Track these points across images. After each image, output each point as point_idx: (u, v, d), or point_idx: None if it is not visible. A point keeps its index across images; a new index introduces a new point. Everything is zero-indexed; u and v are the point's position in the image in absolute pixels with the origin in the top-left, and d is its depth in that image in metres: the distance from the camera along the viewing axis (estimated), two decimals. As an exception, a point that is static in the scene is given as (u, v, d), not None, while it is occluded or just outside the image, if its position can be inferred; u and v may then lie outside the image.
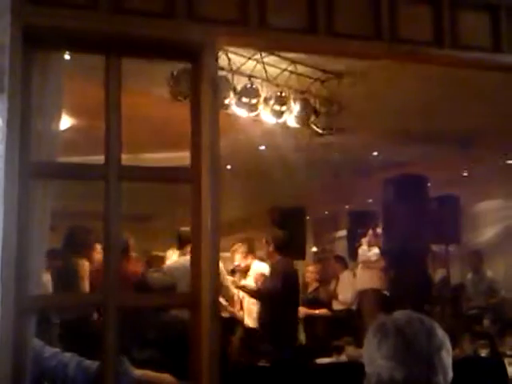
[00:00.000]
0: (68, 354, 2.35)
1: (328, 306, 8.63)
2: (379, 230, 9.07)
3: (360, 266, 8.92)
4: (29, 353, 1.94)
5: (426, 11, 2.35)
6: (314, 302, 8.23)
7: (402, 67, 4.31)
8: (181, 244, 5.89)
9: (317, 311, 8.19)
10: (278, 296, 6.39)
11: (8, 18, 1.85)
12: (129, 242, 5.37)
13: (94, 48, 2.06)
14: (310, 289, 8.46)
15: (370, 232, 8.98)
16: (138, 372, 2.43)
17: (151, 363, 2.65)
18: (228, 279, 6.50)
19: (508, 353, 5.16)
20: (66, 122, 6.89)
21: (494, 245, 9.84)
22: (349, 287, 8.97)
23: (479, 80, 5.31)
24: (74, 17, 1.95)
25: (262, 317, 6.58)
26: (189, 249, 5.91)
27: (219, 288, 2.08)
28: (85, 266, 5.42)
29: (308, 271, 8.72)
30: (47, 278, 5.04)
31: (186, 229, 5.70)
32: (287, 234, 7.07)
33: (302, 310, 7.58)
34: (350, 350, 5.54)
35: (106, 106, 2.00)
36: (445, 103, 6.96)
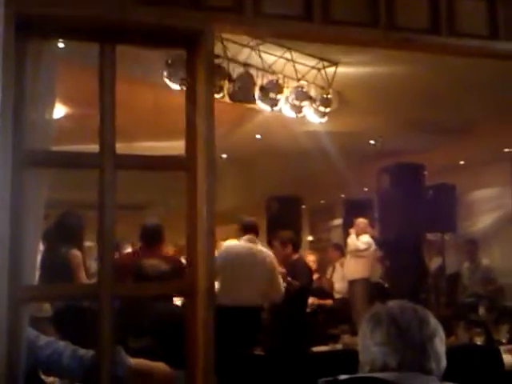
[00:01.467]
0: (62, 343, 2.34)
1: (331, 295, 8.71)
2: (367, 219, 9.04)
3: (349, 256, 8.88)
4: (23, 342, 1.93)
5: (422, -2, 2.33)
6: (319, 292, 8.29)
7: (400, 54, 4.30)
8: (245, 232, 6.01)
9: (321, 301, 8.24)
10: (304, 293, 6.60)
11: (1, 7, 1.83)
12: (163, 229, 5.37)
13: (87, 36, 2.04)
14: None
15: (358, 221, 8.93)
16: (133, 361, 2.43)
17: (146, 352, 2.65)
18: None
19: (503, 341, 5.17)
20: (60, 110, 6.86)
21: (490, 233, 9.86)
22: (343, 276, 8.99)
23: (477, 68, 5.29)
24: (67, 4, 1.93)
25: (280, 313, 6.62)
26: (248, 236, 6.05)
27: (215, 276, 2.08)
28: (78, 256, 5.40)
29: (310, 261, 8.68)
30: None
31: (247, 218, 6.08)
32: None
33: (311, 300, 7.69)
34: (346, 338, 5.55)
35: (101, 94, 1.98)
36: (443, 91, 6.96)
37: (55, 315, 5.08)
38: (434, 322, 1.94)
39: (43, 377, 2.88)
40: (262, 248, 6.02)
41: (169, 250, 7.23)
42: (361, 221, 8.92)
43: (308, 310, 7.52)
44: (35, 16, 1.91)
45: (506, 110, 7.25)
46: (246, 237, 5.93)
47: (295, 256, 6.80)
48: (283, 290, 6.01)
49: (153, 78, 6.09)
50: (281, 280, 6.02)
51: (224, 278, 5.53)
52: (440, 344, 1.92)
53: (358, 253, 8.66)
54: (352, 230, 8.89)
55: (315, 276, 8.56)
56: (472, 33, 2.37)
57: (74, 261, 5.34)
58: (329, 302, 8.49)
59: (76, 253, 5.39)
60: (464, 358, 4.24)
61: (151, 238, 5.23)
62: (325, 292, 8.64)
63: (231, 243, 6.11)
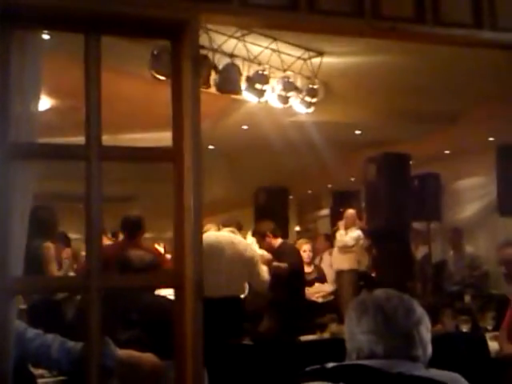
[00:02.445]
0: (51, 335, 2.34)
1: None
2: (355, 210, 9.00)
3: (336, 249, 8.79)
4: (11, 334, 1.93)
5: (407, -13, 2.33)
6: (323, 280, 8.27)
7: (385, 44, 4.30)
8: (225, 226, 6.18)
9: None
10: (295, 274, 6.62)
11: (-16, -4, 1.81)
12: (144, 221, 5.37)
13: (72, 26, 2.03)
14: (309, 269, 7.93)
15: (347, 213, 8.86)
16: (122, 352, 2.44)
17: (134, 343, 2.66)
18: None
19: (489, 328, 5.22)
20: (45, 102, 6.82)
21: (475, 221, 9.92)
22: (330, 267, 8.96)
23: (462, 58, 5.31)
24: (51, -6, 1.92)
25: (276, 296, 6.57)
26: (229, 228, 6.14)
27: (202, 267, 2.08)
28: (50, 249, 5.38)
29: (306, 250, 8.25)
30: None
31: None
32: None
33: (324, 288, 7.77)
34: (333, 327, 5.58)
35: (86, 86, 1.97)
36: (428, 81, 6.97)
37: (31, 307, 5.07)
38: (419, 309, 1.96)
39: (32, 369, 2.89)
40: (242, 239, 6.02)
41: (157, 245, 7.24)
42: (350, 213, 8.83)
43: (320, 300, 7.56)
44: (20, 6, 1.90)
45: (491, 99, 7.28)
46: (227, 228, 5.97)
47: (277, 242, 6.78)
48: (267, 279, 5.96)
49: (139, 68, 6.05)
50: (264, 269, 5.97)
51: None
52: (426, 331, 1.94)
53: (346, 248, 8.60)
54: (341, 223, 8.81)
55: (310, 268, 8.32)
56: (457, 22, 2.38)
57: (47, 255, 5.35)
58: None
59: (49, 246, 5.40)
60: (450, 345, 4.28)
61: (133, 230, 5.25)
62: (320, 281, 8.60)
63: (209, 233, 6.08)
